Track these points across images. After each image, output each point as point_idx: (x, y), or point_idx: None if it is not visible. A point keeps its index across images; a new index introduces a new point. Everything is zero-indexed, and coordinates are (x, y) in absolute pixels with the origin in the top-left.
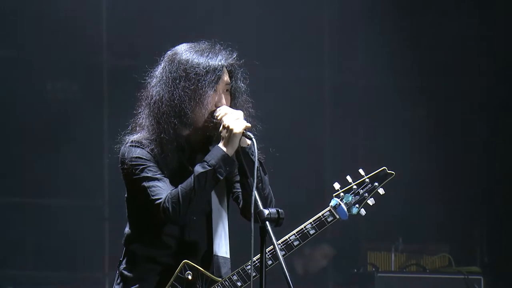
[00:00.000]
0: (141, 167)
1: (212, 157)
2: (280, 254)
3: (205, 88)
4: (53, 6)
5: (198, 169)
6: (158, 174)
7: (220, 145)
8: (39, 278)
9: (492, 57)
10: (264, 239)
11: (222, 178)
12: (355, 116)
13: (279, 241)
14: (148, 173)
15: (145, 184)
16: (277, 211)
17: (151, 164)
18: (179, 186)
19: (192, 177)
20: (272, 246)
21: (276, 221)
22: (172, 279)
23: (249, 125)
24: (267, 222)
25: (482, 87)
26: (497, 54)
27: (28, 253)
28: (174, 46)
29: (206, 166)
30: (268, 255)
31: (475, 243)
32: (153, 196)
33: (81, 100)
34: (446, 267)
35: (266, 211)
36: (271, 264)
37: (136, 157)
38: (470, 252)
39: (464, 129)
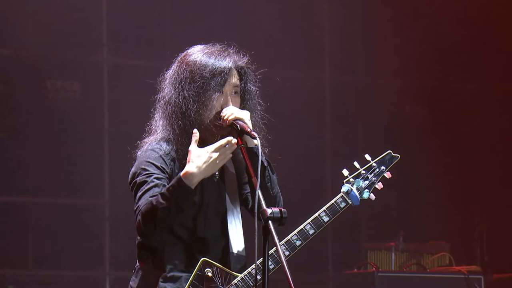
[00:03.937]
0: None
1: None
2: (283, 255)
3: (210, 90)
4: (53, 5)
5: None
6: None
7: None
8: (39, 278)
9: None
10: (266, 238)
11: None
12: (355, 116)
13: (295, 231)
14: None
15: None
16: (280, 210)
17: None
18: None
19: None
20: (284, 240)
21: (278, 220)
22: (191, 278)
23: (242, 117)
24: (269, 221)
25: (483, 87)
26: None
27: (28, 253)
28: (174, 45)
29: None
30: (285, 247)
31: (475, 242)
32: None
33: (81, 100)
34: (446, 266)
35: (269, 210)
36: (288, 255)
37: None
38: (470, 252)
39: (464, 129)
